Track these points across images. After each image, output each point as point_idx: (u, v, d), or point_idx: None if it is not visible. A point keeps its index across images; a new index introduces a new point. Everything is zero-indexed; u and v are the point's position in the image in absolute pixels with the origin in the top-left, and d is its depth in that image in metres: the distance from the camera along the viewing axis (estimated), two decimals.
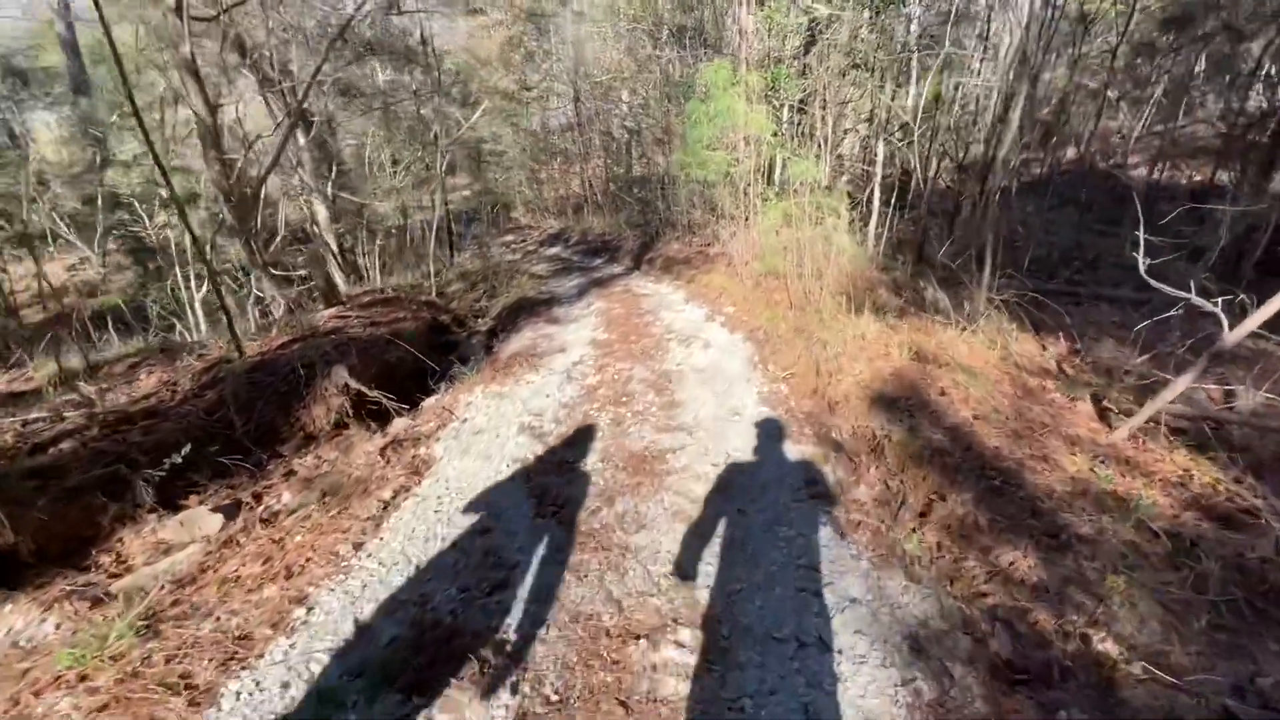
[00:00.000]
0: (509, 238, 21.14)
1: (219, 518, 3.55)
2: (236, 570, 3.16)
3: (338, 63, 9.53)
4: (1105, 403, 4.57)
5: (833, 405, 5.17)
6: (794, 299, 7.53)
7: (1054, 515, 3.38)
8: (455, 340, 7.78)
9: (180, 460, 3.65)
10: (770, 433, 4.63)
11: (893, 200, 10.25)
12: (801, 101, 10.92)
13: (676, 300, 9.37)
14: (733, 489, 3.88)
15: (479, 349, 7.49)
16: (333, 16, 10.19)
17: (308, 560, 3.24)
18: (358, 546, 3.39)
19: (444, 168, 14.43)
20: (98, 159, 12.97)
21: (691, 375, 5.78)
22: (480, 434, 4.71)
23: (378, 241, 13.12)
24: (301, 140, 12.29)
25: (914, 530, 3.39)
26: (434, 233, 10.63)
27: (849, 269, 7.44)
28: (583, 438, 4.55)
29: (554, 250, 17.46)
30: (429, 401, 5.51)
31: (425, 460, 4.33)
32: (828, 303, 6.94)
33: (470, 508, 3.72)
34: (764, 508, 3.65)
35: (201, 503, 3.75)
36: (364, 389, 4.85)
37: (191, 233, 5.62)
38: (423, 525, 3.58)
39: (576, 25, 19.33)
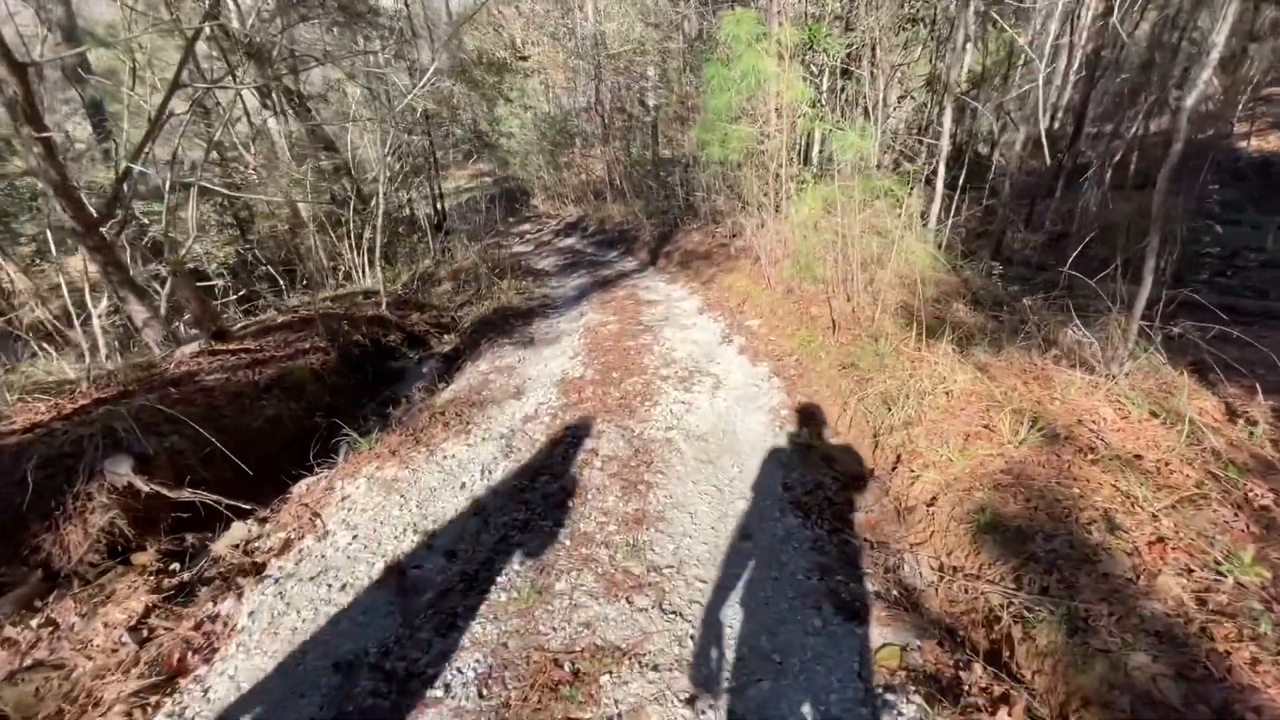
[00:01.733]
0: (526, 227, 19.29)
1: None
2: None
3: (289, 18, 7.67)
4: None
5: (904, 512, 3.15)
6: (838, 317, 5.44)
7: None
8: (401, 369, 5.93)
9: None
10: (811, 595, 2.64)
11: (960, 182, 7.96)
12: (845, 63, 8.67)
13: (688, 309, 7.34)
14: None
15: (429, 378, 5.63)
16: None
17: None
18: None
19: (432, 154, 12.62)
20: None
21: (686, 449, 3.80)
22: (322, 577, 2.82)
23: (365, 235, 11.37)
24: (277, 124, 10.63)
25: None
26: (371, 231, 8.78)
27: (915, 275, 5.29)
28: (465, 613, 2.60)
29: (569, 241, 15.54)
30: (301, 487, 3.66)
31: (210, 639, 2.48)
32: (887, 326, 4.84)
33: None
34: None
35: None
36: (164, 488, 3.01)
37: None
38: None
39: None
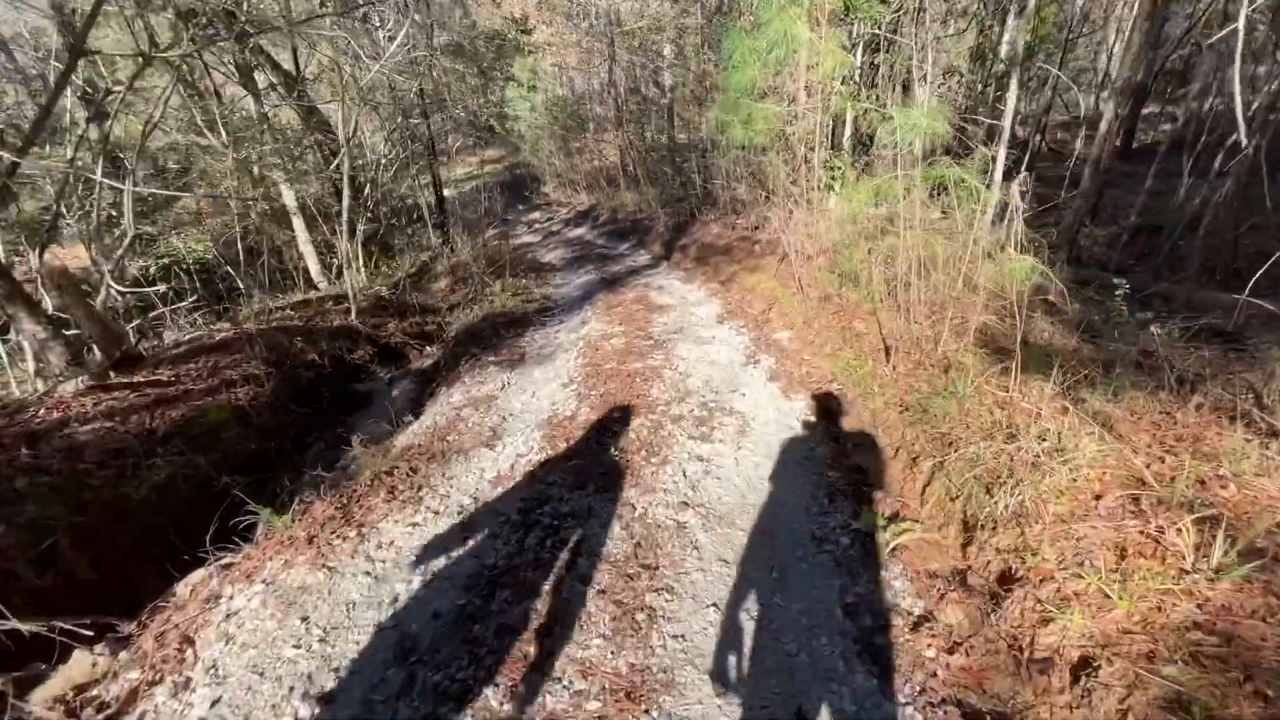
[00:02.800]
0: (535, 215, 18.21)
1: None
2: None
3: None
4: None
5: (1028, 666, 2.07)
6: (893, 338, 4.32)
7: None
8: (368, 392, 4.92)
9: None
10: None
11: (1024, 171, 6.71)
12: (890, 31, 7.44)
13: (706, 317, 6.24)
14: None
15: (398, 407, 4.61)
16: None
17: None
18: None
19: (426, 137, 11.56)
20: None
21: (705, 542, 2.73)
22: None
23: (359, 228, 10.36)
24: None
25: None
26: (364, 224, 7.73)
27: (989, 286, 4.13)
28: None
29: (578, 231, 14.44)
30: (185, 589, 2.65)
31: None
32: (962, 356, 3.72)
33: None
34: None
35: None
36: None
37: None
38: None
39: None
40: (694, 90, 13.20)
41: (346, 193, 10.84)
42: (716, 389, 4.32)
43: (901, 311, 4.55)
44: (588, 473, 3.25)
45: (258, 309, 5.45)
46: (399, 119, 10.46)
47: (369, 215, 10.64)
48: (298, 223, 9.93)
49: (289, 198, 9.81)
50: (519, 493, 3.14)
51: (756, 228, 9.46)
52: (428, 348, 5.87)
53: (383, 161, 11.56)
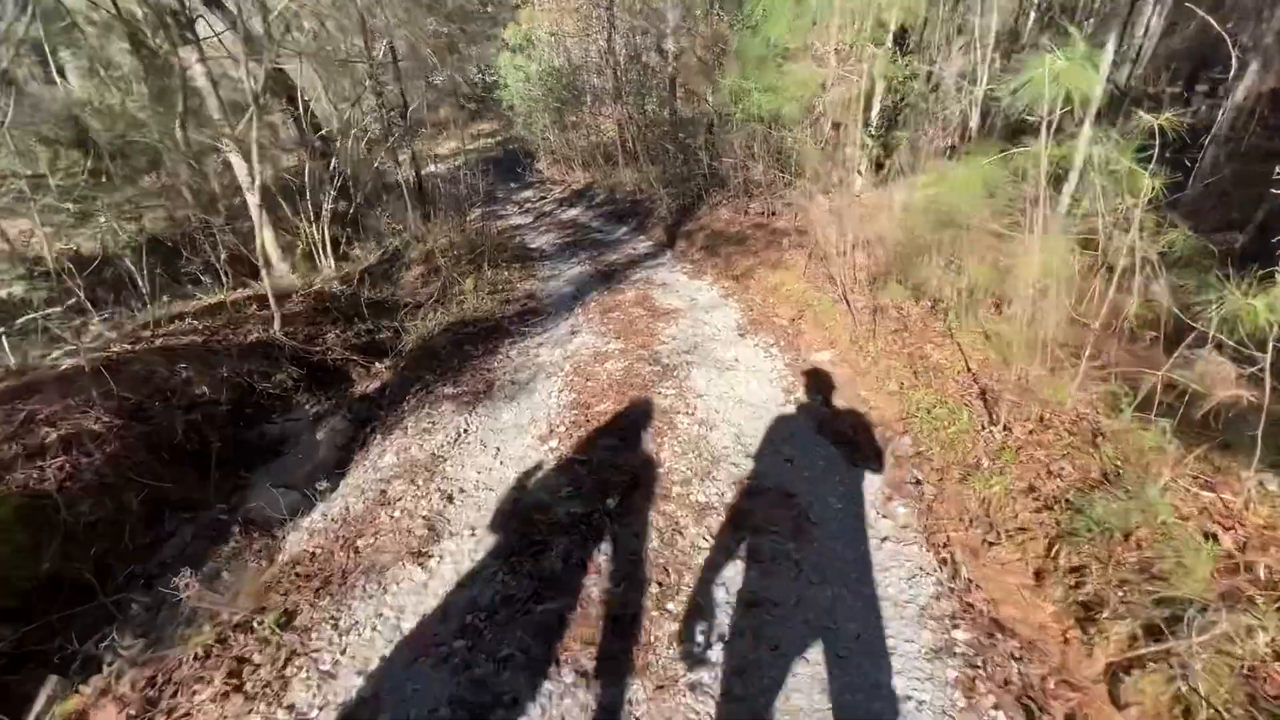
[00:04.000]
0: (528, 194, 16.73)
1: None
2: None
3: None
4: None
5: None
6: (997, 385, 3.05)
7: None
8: (283, 435, 3.63)
9: None
10: None
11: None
12: None
13: (724, 328, 4.93)
14: None
15: (324, 452, 3.33)
16: None
17: None
18: None
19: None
20: None
21: None
22: None
23: (325, 207, 8.95)
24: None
25: None
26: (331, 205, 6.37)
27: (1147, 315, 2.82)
28: None
29: (572, 212, 13.02)
30: None
31: None
32: (1136, 437, 2.44)
33: None
34: None
35: None
36: None
37: None
38: None
39: None
40: (701, 57, 11.69)
41: (308, 166, 9.37)
42: (753, 449, 3.04)
43: (1002, 342, 3.25)
44: (564, 643, 1.97)
45: (151, 319, 4.10)
46: (367, 81, 8.97)
47: (336, 194, 9.19)
48: (252, 200, 8.50)
49: (241, 172, 8.36)
50: (449, 679, 1.86)
51: (772, 214, 8.10)
52: (377, 364, 4.54)
53: (353, 131, 10.08)
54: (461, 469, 2.99)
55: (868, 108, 6.73)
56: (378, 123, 10.59)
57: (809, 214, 6.57)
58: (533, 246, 9.89)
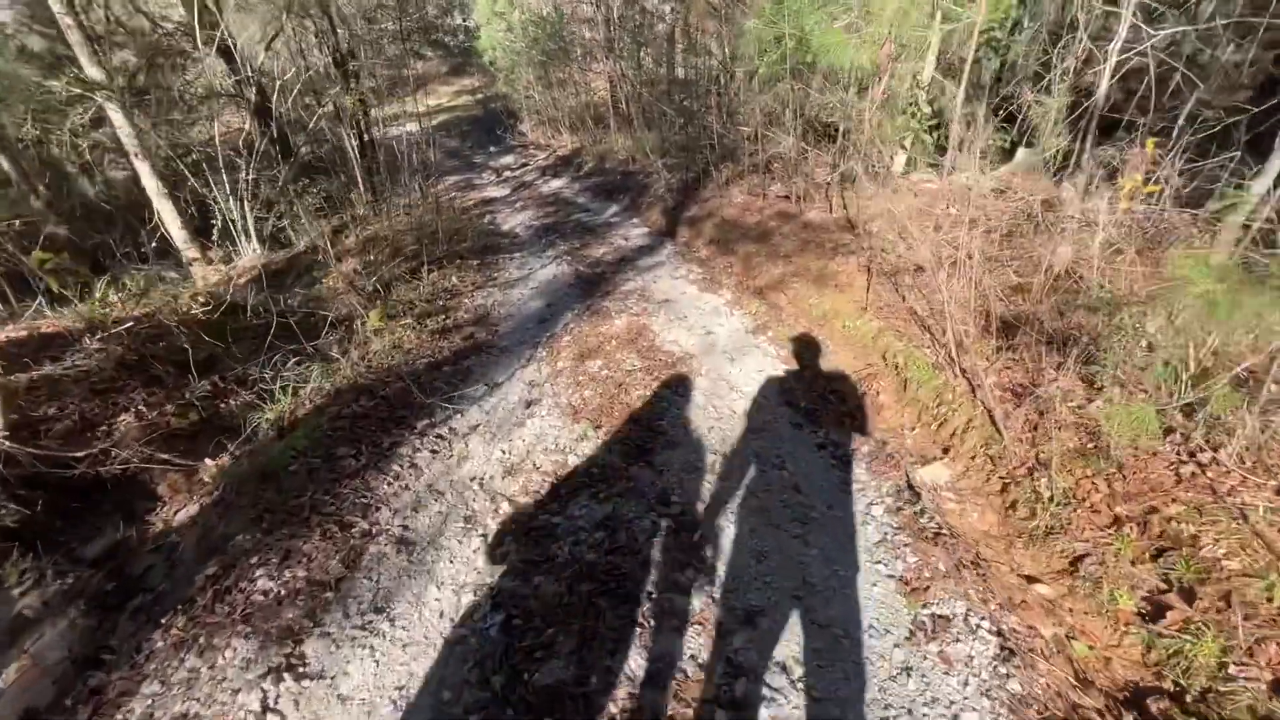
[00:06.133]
0: (508, 160, 14.56)
1: None
2: None
3: None
4: None
5: None
6: None
7: None
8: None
9: None
10: None
11: None
12: None
13: (770, 398, 3.14)
14: None
15: None
16: None
17: None
18: None
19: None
20: None
21: None
22: None
23: (247, 178, 6.98)
24: None
25: None
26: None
27: None
28: None
29: (556, 184, 10.98)
30: None
31: None
32: None
33: None
34: None
35: None
36: None
37: None
38: None
39: None
40: (708, 2, 9.49)
41: (216, 127, 7.33)
42: None
43: None
44: None
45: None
46: (285, 16, 6.85)
47: (257, 161, 7.10)
48: (143, 168, 6.45)
49: (126, 134, 6.30)
50: None
51: (800, 198, 6.22)
52: (203, 468, 2.70)
53: (279, 83, 7.91)
54: None
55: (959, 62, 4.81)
56: (314, 72, 8.47)
57: (869, 207, 4.71)
58: (504, 229, 7.94)
